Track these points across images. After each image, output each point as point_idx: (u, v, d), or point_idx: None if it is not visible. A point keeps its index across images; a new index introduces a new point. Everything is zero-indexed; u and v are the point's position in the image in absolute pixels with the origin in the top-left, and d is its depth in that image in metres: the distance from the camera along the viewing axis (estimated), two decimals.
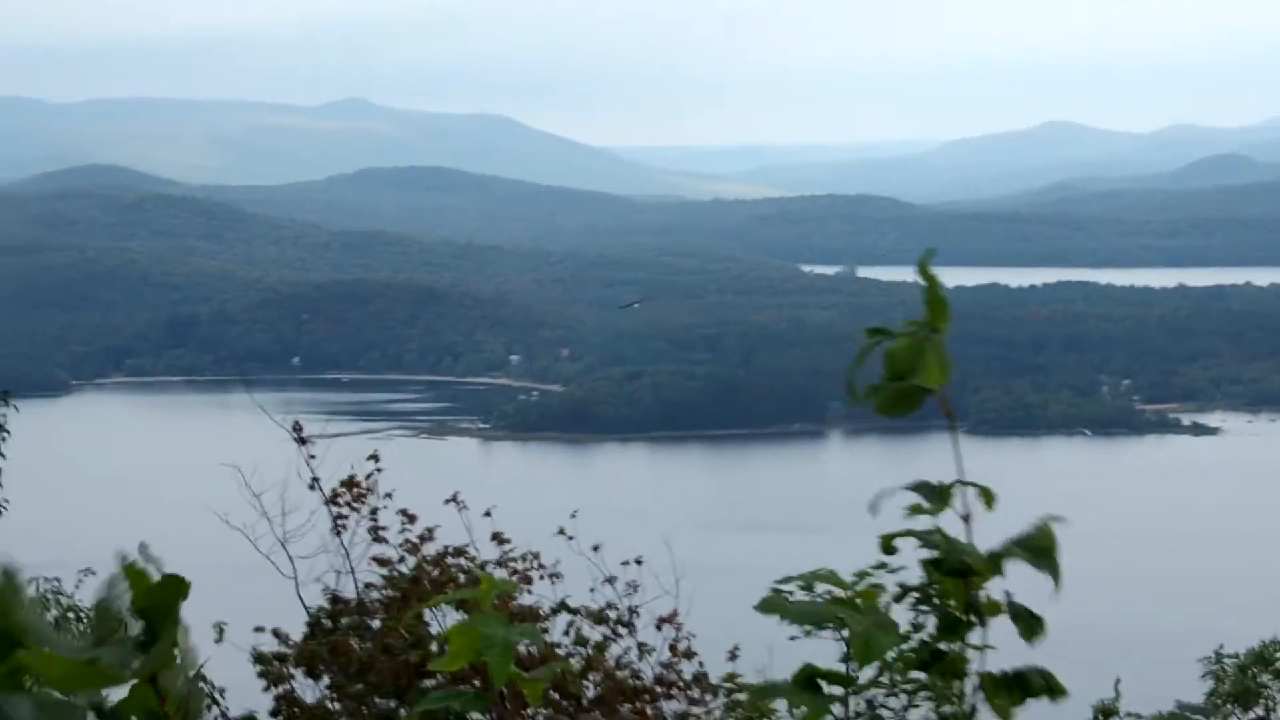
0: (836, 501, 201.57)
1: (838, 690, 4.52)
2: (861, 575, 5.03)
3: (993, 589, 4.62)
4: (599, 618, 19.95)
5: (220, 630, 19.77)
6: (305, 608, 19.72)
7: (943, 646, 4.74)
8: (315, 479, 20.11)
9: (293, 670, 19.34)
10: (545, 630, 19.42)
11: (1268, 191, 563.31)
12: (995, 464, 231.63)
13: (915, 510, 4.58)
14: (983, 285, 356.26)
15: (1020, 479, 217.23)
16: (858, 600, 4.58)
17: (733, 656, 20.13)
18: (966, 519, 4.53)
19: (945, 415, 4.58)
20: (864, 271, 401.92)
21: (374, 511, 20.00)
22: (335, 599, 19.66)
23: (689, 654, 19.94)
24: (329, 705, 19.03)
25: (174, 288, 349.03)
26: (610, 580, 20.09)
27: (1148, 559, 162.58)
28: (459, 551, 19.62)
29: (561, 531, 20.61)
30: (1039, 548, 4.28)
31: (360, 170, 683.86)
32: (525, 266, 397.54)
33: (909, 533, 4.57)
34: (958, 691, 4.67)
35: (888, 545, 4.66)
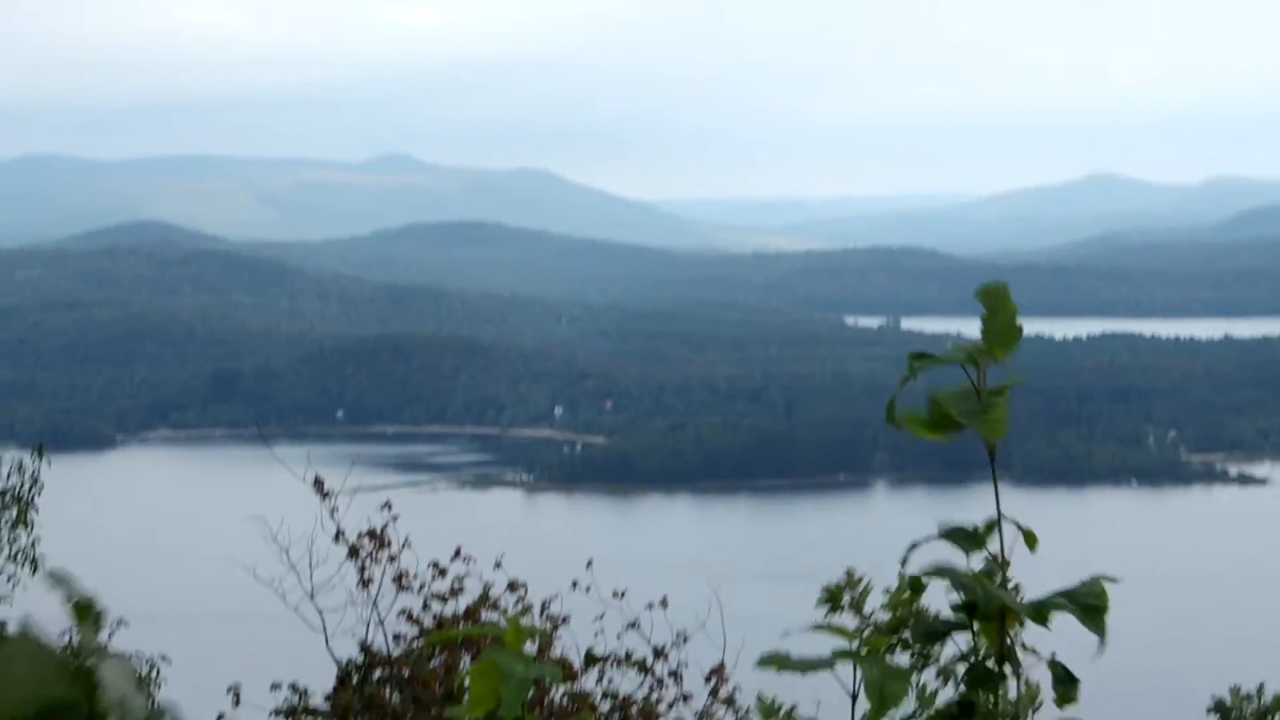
0: (881, 552, 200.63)
1: None
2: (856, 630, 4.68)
3: (1029, 638, 4.36)
4: (641, 668, 19.73)
5: (236, 696, 19.70)
6: (335, 660, 19.59)
7: (975, 700, 4.37)
8: (339, 531, 20.00)
9: None
10: (574, 679, 19.23)
11: None
12: (1040, 514, 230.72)
13: (954, 542, 4.32)
14: (1027, 338, 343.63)
15: (1066, 529, 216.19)
16: (863, 649, 4.35)
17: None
18: (1004, 563, 4.25)
19: (988, 456, 4.38)
20: (908, 323, 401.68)
21: (393, 559, 19.87)
22: (367, 651, 19.50)
23: (730, 700, 19.72)
24: None
25: (218, 343, 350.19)
26: (633, 625, 19.88)
27: (1194, 610, 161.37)
28: (484, 601, 19.46)
29: (575, 585, 20.43)
30: (1090, 605, 4.20)
31: (405, 225, 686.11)
32: (568, 319, 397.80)
33: (939, 572, 4.29)
34: None
35: (916, 585, 4.39)
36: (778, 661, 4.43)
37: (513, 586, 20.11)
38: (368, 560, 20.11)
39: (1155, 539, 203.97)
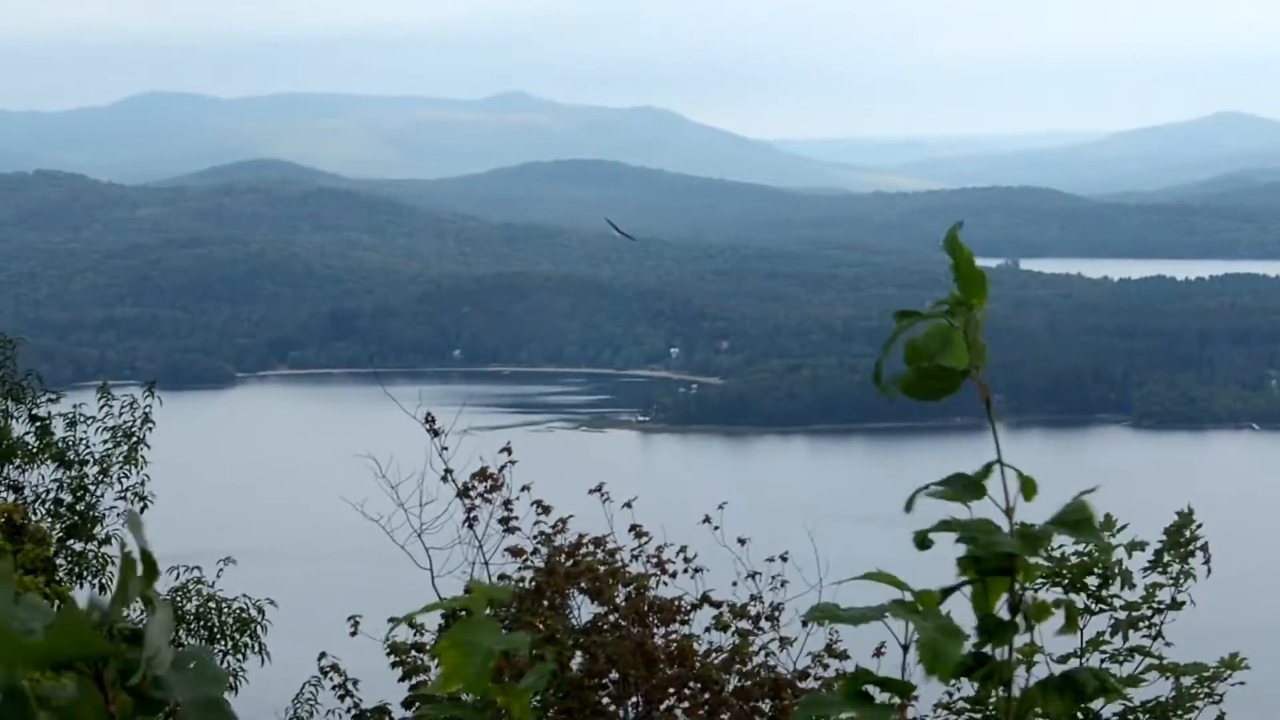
0: (996, 495, 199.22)
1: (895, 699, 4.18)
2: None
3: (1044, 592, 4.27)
4: (741, 613, 19.62)
5: (355, 624, 19.65)
6: (441, 599, 19.51)
7: (987, 651, 4.28)
8: (448, 470, 19.92)
9: (429, 661, 19.17)
10: (687, 622, 19.13)
11: None
12: (1160, 457, 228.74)
13: (952, 497, 4.19)
14: (1149, 278, 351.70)
15: (1186, 472, 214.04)
16: (918, 604, 4.28)
17: (878, 653, 19.56)
18: (1010, 511, 4.12)
19: (982, 400, 4.25)
20: (1027, 264, 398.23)
21: (507, 503, 19.78)
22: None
23: (843, 655, 19.55)
24: (464, 698, 18.77)
25: (337, 281, 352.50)
26: (753, 575, 19.77)
27: None
28: (597, 542, 19.36)
29: (707, 519, 20.32)
30: (1076, 520, 4.12)
31: (522, 164, 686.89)
32: (686, 259, 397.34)
33: (946, 525, 4.16)
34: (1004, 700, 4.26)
35: (923, 541, 4.27)
36: (827, 613, 4.31)
37: (635, 531, 20.00)
38: (478, 500, 20.06)
39: (1276, 483, 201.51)
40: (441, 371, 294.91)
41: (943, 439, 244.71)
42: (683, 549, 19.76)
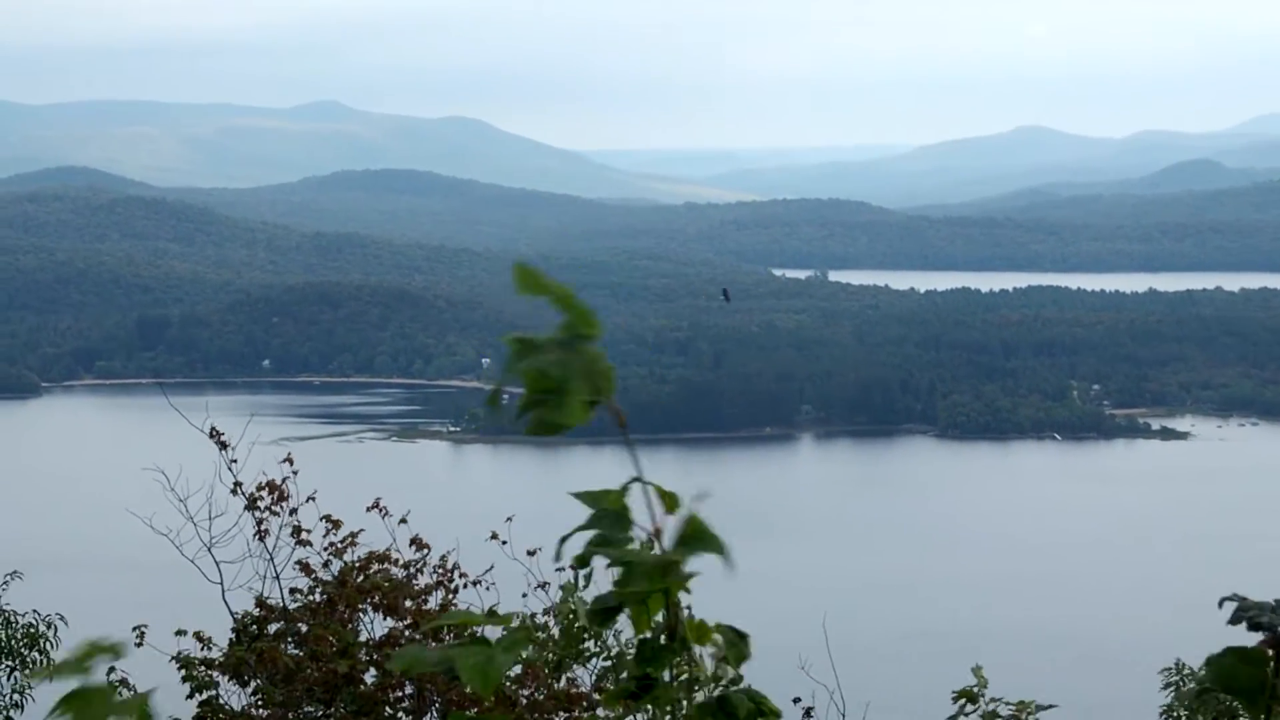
0: (807, 505, 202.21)
1: None
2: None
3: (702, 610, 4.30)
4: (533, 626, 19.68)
5: (141, 634, 19.39)
6: (231, 613, 19.48)
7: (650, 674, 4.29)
8: (237, 483, 19.86)
9: (219, 677, 19.10)
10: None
11: (1237, 197, 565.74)
12: (965, 467, 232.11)
13: (600, 544, 4.09)
14: (954, 290, 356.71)
15: (989, 482, 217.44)
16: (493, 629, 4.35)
17: None
18: (656, 532, 4.03)
19: (619, 425, 4.15)
20: (835, 275, 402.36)
21: (294, 512, 19.76)
22: (262, 605, 19.39)
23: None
24: (254, 712, 18.78)
25: (145, 290, 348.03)
26: (543, 586, 19.83)
27: (1108, 564, 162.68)
28: (382, 557, 19.39)
29: (495, 536, 20.36)
30: (694, 536, 4.11)
31: (333, 173, 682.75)
32: (497, 269, 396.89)
33: (597, 548, 4.06)
34: None
35: (582, 562, 4.17)
36: (408, 659, 4.22)
37: (416, 543, 20.06)
38: (266, 513, 20.01)
39: (1076, 493, 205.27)
40: (251, 382, 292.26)
41: (753, 449, 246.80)
42: (443, 557, 19.81)
